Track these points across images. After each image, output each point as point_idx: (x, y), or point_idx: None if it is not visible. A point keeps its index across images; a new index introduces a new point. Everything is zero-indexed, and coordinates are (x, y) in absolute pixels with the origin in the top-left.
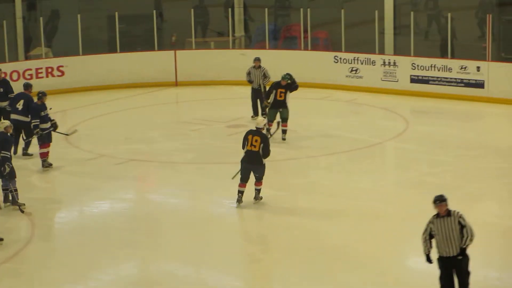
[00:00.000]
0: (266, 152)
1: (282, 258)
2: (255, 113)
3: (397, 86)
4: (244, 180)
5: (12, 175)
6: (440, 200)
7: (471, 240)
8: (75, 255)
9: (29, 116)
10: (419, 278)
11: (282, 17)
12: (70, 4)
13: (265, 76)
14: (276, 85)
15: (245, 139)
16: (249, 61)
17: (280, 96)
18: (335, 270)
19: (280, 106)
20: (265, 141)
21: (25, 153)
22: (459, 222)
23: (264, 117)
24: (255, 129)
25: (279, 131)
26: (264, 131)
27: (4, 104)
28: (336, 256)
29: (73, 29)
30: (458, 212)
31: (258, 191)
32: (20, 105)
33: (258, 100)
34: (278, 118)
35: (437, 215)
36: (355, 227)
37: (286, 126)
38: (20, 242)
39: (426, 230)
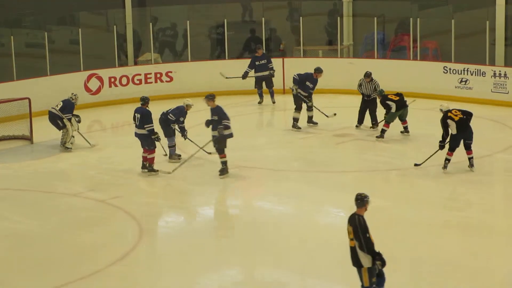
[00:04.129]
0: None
1: (389, 269)
2: (360, 122)
3: (507, 98)
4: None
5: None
6: None
7: None
8: (181, 260)
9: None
10: None
11: (391, 27)
12: (180, 11)
13: (375, 89)
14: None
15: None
16: (357, 70)
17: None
18: (445, 284)
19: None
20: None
21: None
22: None
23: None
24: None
25: None
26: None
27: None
28: (446, 269)
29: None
30: None
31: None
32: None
33: (369, 110)
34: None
35: None
36: (463, 240)
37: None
38: (127, 245)
39: None
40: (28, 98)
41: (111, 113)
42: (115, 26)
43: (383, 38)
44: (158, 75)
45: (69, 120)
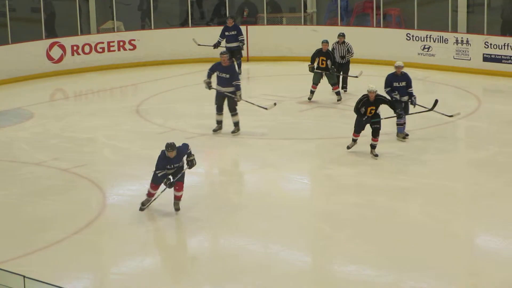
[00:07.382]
0: None
1: (351, 235)
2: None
3: (469, 64)
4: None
5: None
6: None
7: None
8: (144, 228)
9: None
10: (492, 254)
11: None
12: None
13: (348, 51)
14: (318, 53)
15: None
16: (321, 37)
17: (322, 64)
18: (407, 248)
19: (324, 70)
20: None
21: None
22: None
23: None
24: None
25: None
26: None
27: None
28: (407, 233)
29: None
30: None
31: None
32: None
33: (341, 73)
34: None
35: None
36: (425, 205)
37: (336, 88)
38: (91, 214)
39: None
40: None
41: (73, 81)
42: None
43: (346, 5)
44: (121, 43)
45: None
